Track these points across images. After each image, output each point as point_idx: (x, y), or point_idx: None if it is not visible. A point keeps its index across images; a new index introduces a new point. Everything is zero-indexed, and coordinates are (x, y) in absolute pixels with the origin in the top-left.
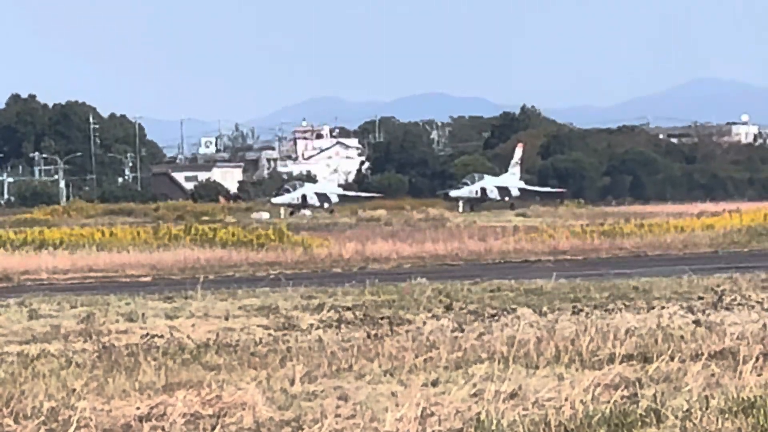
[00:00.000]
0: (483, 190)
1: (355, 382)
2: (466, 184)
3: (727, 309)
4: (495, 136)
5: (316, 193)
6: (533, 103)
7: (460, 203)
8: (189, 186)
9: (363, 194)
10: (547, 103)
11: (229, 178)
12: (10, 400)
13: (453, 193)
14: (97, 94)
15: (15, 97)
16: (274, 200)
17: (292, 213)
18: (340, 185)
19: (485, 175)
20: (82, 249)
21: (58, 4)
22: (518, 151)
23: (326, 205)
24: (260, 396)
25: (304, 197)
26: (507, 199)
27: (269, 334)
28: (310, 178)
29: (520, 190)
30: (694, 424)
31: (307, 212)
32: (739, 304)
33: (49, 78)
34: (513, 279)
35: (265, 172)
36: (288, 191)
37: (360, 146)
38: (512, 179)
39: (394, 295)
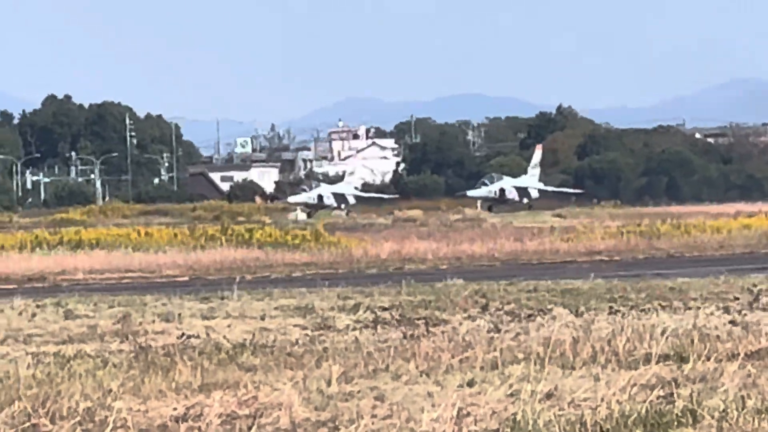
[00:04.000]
0: (501, 190)
1: (392, 383)
2: (485, 185)
3: (763, 309)
4: (531, 137)
5: (333, 194)
6: (569, 103)
7: (479, 203)
8: (225, 186)
9: (382, 195)
10: (582, 103)
11: (266, 178)
12: (46, 401)
13: (471, 193)
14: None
15: (51, 98)
16: (290, 199)
17: (309, 214)
18: (375, 186)
19: (504, 176)
20: (118, 249)
21: (94, 5)
22: (537, 153)
23: (343, 205)
24: (296, 396)
25: (320, 197)
26: (526, 200)
27: (306, 335)
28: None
29: (539, 191)
30: (731, 425)
31: (341, 213)
32: None
33: (85, 78)
34: (549, 279)
35: (302, 172)
36: (304, 191)
37: (396, 147)
38: (531, 180)
39: (430, 295)
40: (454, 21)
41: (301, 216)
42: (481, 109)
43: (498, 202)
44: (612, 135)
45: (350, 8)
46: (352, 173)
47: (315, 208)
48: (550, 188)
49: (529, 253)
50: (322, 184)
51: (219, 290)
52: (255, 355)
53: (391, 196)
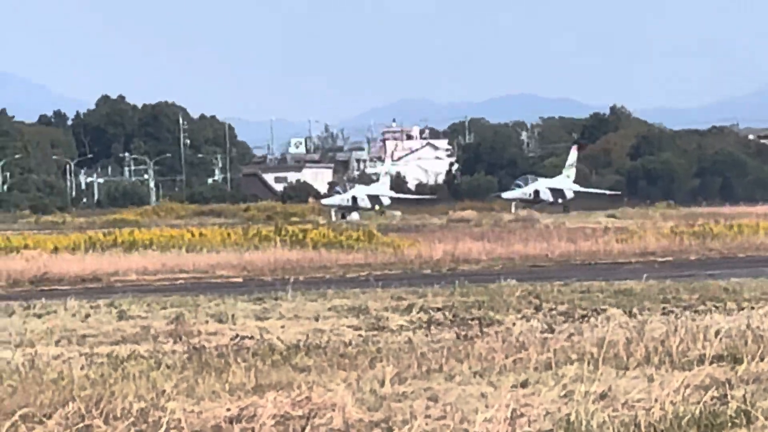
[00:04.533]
0: (536, 192)
1: (445, 383)
2: (519, 186)
3: None
4: (585, 137)
5: (368, 195)
6: (622, 103)
7: (513, 205)
8: (278, 187)
9: (417, 197)
10: (635, 104)
11: (320, 179)
12: (100, 401)
13: (506, 195)
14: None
15: (105, 98)
16: (324, 201)
17: (343, 215)
18: (429, 186)
19: (538, 177)
20: (171, 250)
21: (148, 5)
22: (573, 154)
23: (377, 207)
24: (350, 397)
25: (354, 199)
26: (561, 201)
27: (359, 335)
28: (399, 178)
29: (574, 192)
30: None
31: (397, 213)
32: None
33: (139, 79)
34: (603, 280)
35: (355, 172)
36: (338, 192)
37: (449, 147)
38: (566, 181)
39: (483, 296)
40: (506, 22)
41: (355, 216)
42: (534, 109)
43: (532, 204)
44: (665, 136)
45: (404, 9)
46: (387, 173)
47: (349, 209)
48: (585, 189)
49: (582, 253)
50: (357, 186)
51: (273, 291)
52: (308, 356)
53: (429, 197)
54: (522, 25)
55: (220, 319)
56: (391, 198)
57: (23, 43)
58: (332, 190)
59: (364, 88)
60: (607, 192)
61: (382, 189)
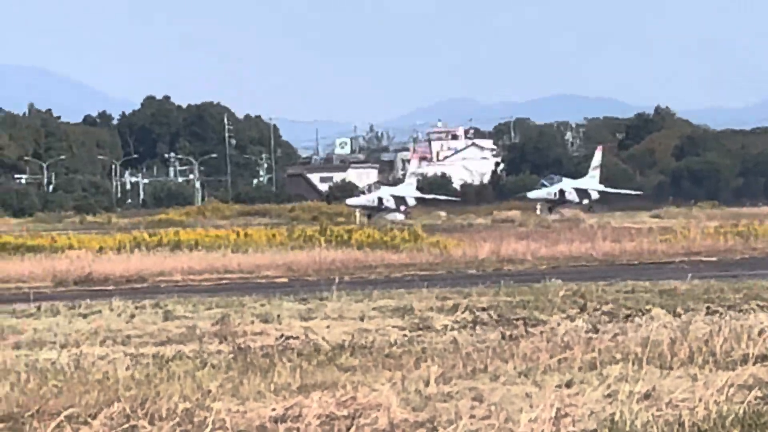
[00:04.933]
0: (561, 192)
1: (490, 383)
2: (545, 186)
3: None
4: (629, 137)
5: (393, 196)
6: (666, 103)
7: (538, 205)
8: (324, 187)
9: (443, 198)
10: (679, 104)
11: (365, 179)
12: (145, 402)
13: (531, 195)
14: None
15: (150, 99)
16: (349, 201)
17: (369, 216)
18: (474, 186)
19: (564, 178)
20: (217, 250)
21: (192, 6)
22: (598, 155)
23: (403, 207)
24: (395, 397)
25: (380, 200)
26: (586, 201)
27: (404, 335)
28: (445, 179)
29: (599, 192)
30: None
31: (400, 215)
32: None
33: (184, 79)
34: (647, 280)
35: (400, 173)
36: (363, 193)
37: (495, 147)
38: (592, 182)
39: (528, 295)
40: (550, 23)
41: (400, 216)
42: (578, 109)
43: (558, 204)
44: (709, 136)
45: (449, 10)
46: (412, 174)
47: (374, 210)
48: (610, 190)
49: (627, 253)
50: (382, 187)
51: (318, 291)
52: (354, 356)
53: (453, 198)
54: (566, 26)
55: (266, 320)
56: (417, 199)
57: (70, 44)
58: (357, 191)
59: (410, 88)
60: (632, 192)
61: (408, 190)
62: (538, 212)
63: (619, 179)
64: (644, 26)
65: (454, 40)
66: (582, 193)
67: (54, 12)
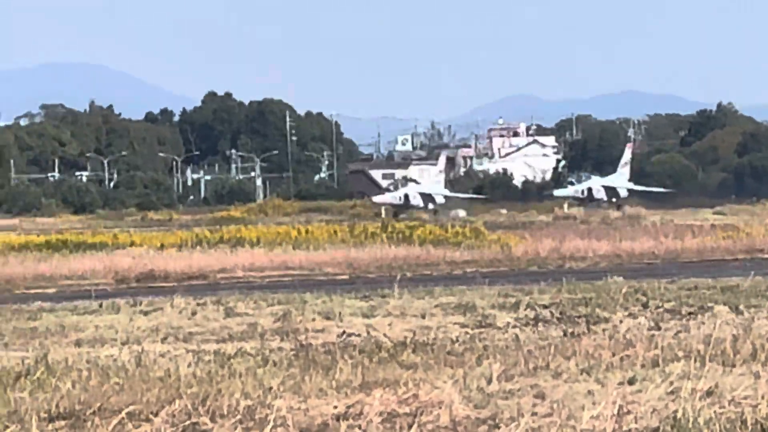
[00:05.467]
0: (589, 190)
1: (552, 381)
2: (572, 184)
3: None
4: (692, 134)
5: (420, 193)
6: (729, 100)
7: (566, 204)
8: (385, 183)
9: (472, 196)
10: (742, 101)
11: (426, 175)
12: (206, 399)
13: (557, 193)
14: (293, 92)
15: (211, 95)
16: (375, 199)
17: (395, 214)
18: (536, 183)
19: (592, 175)
20: (278, 247)
21: (253, 3)
22: (627, 152)
23: (430, 205)
24: (457, 394)
25: (406, 197)
26: (615, 199)
27: (466, 333)
28: (506, 176)
29: (628, 190)
30: None
31: (503, 210)
32: None
33: (246, 76)
34: (710, 277)
35: (462, 170)
36: (389, 190)
37: (556, 144)
38: (621, 179)
39: (590, 293)
40: (612, 20)
41: (462, 213)
42: (640, 106)
43: (586, 202)
44: None
45: (510, 7)
46: (441, 172)
47: (401, 208)
48: (639, 188)
49: (689, 250)
50: (410, 184)
51: (379, 288)
52: (415, 354)
53: (482, 196)
54: (627, 23)
55: (327, 317)
56: (446, 197)
57: (131, 42)
58: (383, 189)
59: (472, 85)
60: (662, 190)
61: (437, 188)
62: (565, 210)
63: (682, 176)
64: (708, 23)
65: (517, 37)
66: (610, 191)
67: (115, 10)
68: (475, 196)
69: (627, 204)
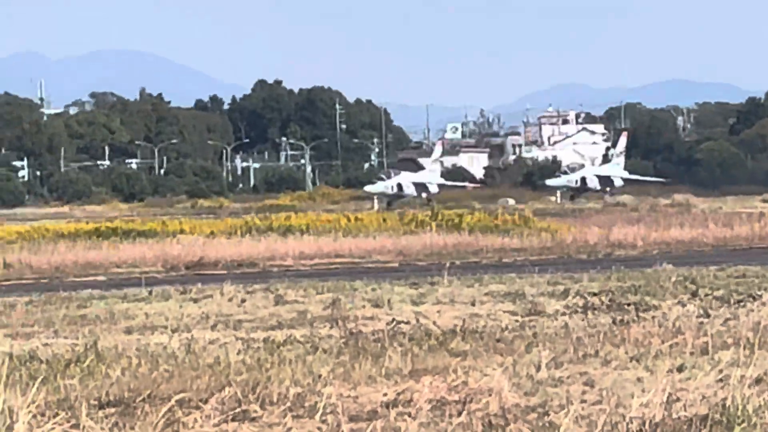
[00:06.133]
0: (583, 179)
1: (601, 368)
2: (565, 173)
3: None
4: (740, 122)
5: (414, 183)
6: None
7: (558, 193)
8: None
9: (464, 184)
10: None
11: (475, 163)
12: (256, 386)
13: (550, 182)
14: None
15: (261, 83)
16: (368, 188)
17: (389, 203)
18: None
19: (585, 165)
20: (327, 235)
21: None
22: (622, 141)
23: (424, 194)
24: (506, 382)
25: (399, 186)
26: (609, 189)
27: (515, 320)
28: (555, 163)
29: (623, 179)
30: None
31: (552, 198)
32: None
33: (295, 63)
34: (758, 265)
35: (511, 157)
36: (381, 179)
37: (606, 132)
38: (615, 169)
39: (640, 280)
40: (662, 8)
41: (511, 201)
42: (690, 94)
43: (580, 192)
44: None
45: None
46: (436, 161)
47: (394, 197)
48: (635, 177)
49: (738, 238)
50: (403, 173)
51: (429, 276)
52: (465, 341)
53: (475, 185)
54: (679, 11)
55: (377, 304)
56: (440, 186)
57: (179, 29)
58: (375, 177)
59: (521, 73)
60: (657, 179)
61: (431, 177)
62: (558, 200)
63: (730, 164)
64: (757, 9)
65: (567, 25)
66: (604, 180)
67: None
68: (470, 184)
69: (621, 193)
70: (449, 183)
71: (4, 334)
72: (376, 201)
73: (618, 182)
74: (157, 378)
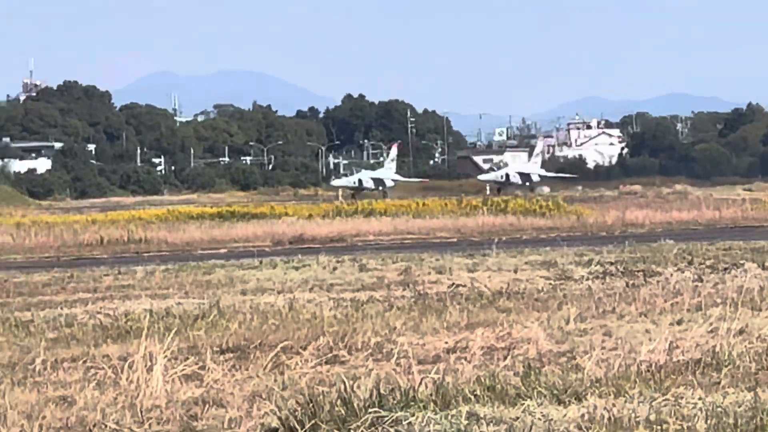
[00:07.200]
0: (507, 176)
1: (617, 322)
2: (493, 170)
3: None
4: (727, 128)
5: (372, 178)
6: (758, 101)
7: (488, 187)
8: (485, 167)
9: (413, 180)
10: None
11: (517, 160)
12: (344, 336)
13: (481, 177)
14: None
15: (348, 97)
16: (333, 182)
17: (353, 195)
18: (605, 167)
19: (509, 164)
20: (401, 216)
21: (388, 17)
22: (540, 144)
23: (381, 188)
24: (542, 332)
25: (360, 181)
26: (528, 183)
27: (549, 284)
28: (581, 160)
29: (539, 176)
30: None
31: (579, 187)
32: None
33: (376, 80)
34: (741, 240)
35: (546, 156)
36: (345, 176)
37: (621, 135)
38: (534, 167)
39: (647, 252)
40: (663, 30)
41: (546, 189)
42: (686, 105)
43: (505, 185)
44: None
45: (593, 22)
46: (393, 160)
47: (356, 190)
48: (548, 174)
49: (725, 219)
50: (363, 170)
51: (481, 249)
52: (509, 300)
53: (421, 180)
54: (679, 32)
55: (440, 271)
56: (395, 181)
57: (284, 52)
58: (340, 174)
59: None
60: (566, 175)
61: (386, 173)
62: (487, 193)
63: (719, 161)
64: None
65: (590, 51)
66: (524, 176)
67: (271, 26)
68: (416, 179)
69: (538, 186)
70: (401, 179)
71: (145, 295)
72: (340, 193)
73: (536, 178)
74: (266, 330)
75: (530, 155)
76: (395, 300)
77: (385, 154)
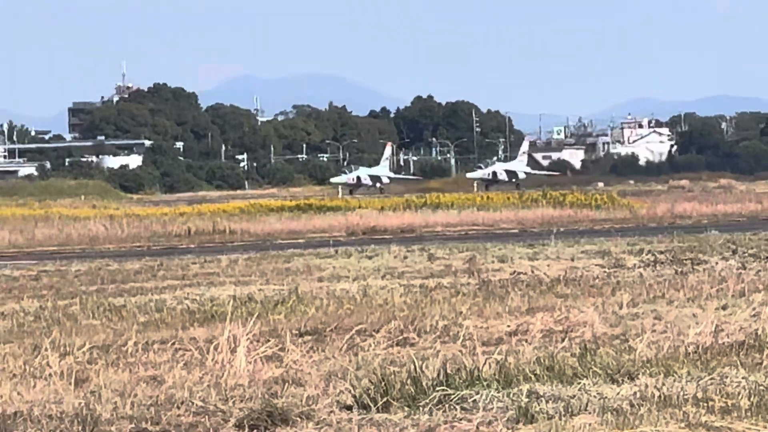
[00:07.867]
0: (494, 173)
1: (666, 307)
2: (480, 168)
3: None
4: None
5: (370, 175)
6: None
7: (475, 183)
8: (545, 163)
9: (409, 177)
10: None
11: (574, 157)
12: (414, 320)
13: (469, 175)
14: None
15: (418, 98)
16: (333, 180)
17: (351, 191)
18: (655, 163)
19: (497, 161)
20: (466, 209)
21: (451, 26)
22: (525, 144)
23: (378, 185)
24: (597, 317)
25: (358, 178)
26: (514, 180)
27: (604, 271)
28: (634, 157)
29: (525, 173)
30: None
31: (631, 181)
32: None
33: (443, 82)
34: None
35: (601, 153)
36: (344, 173)
37: (670, 134)
38: (520, 165)
39: (695, 242)
40: (713, 36)
41: (600, 184)
42: (730, 105)
43: (492, 182)
44: None
45: (642, 28)
46: (386, 159)
47: (355, 187)
48: (536, 171)
49: (767, 211)
50: (361, 168)
51: (540, 239)
52: (567, 287)
53: (416, 177)
54: (722, 35)
55: (502, 260)
56: (390, 178)
57: (357, 54)
58: (340, 171)
59: (609, 89)
60: (552, 173)
61: (382, 171)
62: (475, 190)
63: (761, 157)
64: None
65: (643, 52)
66: (511, 173)
67: (346, 32)
68: (412, 177)
69: (523, 184)
70: (399, 176)
71: (229, 282)
72: (340, 189)
73: (521, 175)
74: (341, 314)
75: (585, 152)
76: (461, 287)
77: (452, 152)
